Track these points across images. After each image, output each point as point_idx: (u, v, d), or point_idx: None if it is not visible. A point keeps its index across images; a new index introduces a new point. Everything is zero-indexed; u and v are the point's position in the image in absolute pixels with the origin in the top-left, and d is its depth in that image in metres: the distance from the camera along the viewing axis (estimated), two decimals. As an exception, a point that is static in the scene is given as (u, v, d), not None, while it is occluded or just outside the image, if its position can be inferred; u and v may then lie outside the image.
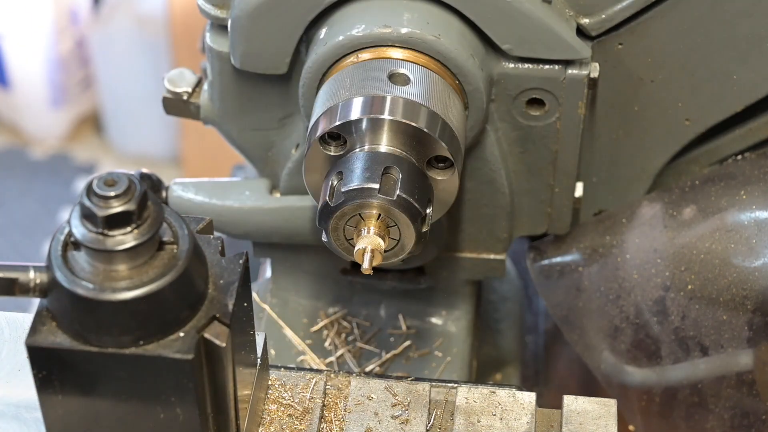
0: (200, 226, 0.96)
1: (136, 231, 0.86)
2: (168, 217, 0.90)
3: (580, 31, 1.16)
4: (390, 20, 1.11)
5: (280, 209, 1.26)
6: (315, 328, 1.36)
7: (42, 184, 3.43)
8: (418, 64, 1.10)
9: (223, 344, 0.89)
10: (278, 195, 1.28)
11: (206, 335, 0.89)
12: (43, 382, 0.90)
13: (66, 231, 0.88)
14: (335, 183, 1.06)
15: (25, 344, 0.88)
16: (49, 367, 0.89)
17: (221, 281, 0.92)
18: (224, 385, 0.93)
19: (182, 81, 1.27)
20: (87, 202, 0.85)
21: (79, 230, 0.85)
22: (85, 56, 3.45)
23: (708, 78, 1.20)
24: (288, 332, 1.33)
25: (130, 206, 0.85)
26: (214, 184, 1.30)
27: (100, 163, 3.50)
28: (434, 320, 1.37)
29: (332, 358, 1.32)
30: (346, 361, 1.32)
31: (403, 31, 1.10)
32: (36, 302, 0.90)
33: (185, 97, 1.27)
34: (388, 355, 1.33)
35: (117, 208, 0.84)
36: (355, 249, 1.03)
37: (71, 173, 3.46)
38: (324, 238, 1.07)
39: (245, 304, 0.96)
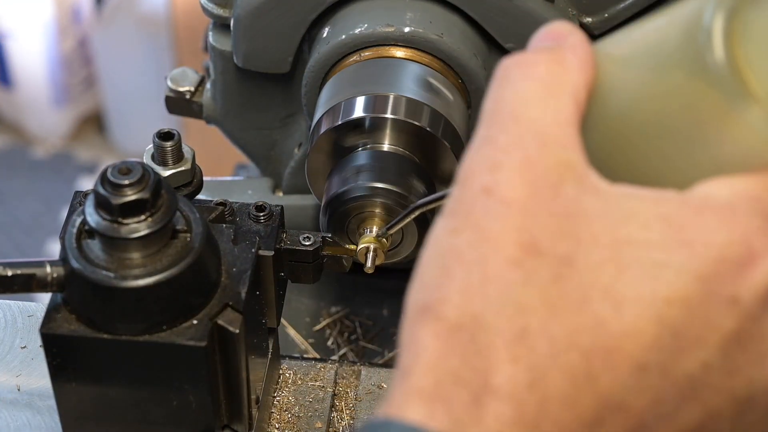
0: (213, 215, 0.96)
1: (150, 219, 0.86)
2: (181, 205, 0.90)
3: (583, 30, 1.16)
4: (393, 19, 1.11)
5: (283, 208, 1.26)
6: (317, 327, 1.36)
7: (44, 183, 3.43)
8: (421, 63, 1.10)
9: (237, 330, 0.90)
10: (281, 194, 1.28)
11: (219, 322, 0.90)
12: (57, 370, 0.91)
13: (79, 222, 0.89)
14: (336, 182, 1.06)
15: (39, 332, 0.89)
16: (63, 355, 0.90)
17: (234, 269, 0.93)
18: (237, 373, 0.93)
19: (185, 80, 1.27)
20: (101, 191, 0.85)
21: (94, 218, 0.86)
22: (87, 55, 3.45)
23: (711, 77, 1.20)
24: (291, 331, 1.33)
25: (144, 194, 0.85)
26: (217, 183, 1.30)
27: (103, 162, 3.50)
28: (437, 319, 1.36)
29: (335, 357, 1.32)
30: (348, 360, 1.32)
31: (406, 30, 1.10)
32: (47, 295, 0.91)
33: (188, 96, 1.27)
34: (391, 354, 1.33)
35: (131, 196, 0.85)
36: (358, 248, 1.03)
37: (73, 172, 3.46)
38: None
39: (257, 293, 0.96)
